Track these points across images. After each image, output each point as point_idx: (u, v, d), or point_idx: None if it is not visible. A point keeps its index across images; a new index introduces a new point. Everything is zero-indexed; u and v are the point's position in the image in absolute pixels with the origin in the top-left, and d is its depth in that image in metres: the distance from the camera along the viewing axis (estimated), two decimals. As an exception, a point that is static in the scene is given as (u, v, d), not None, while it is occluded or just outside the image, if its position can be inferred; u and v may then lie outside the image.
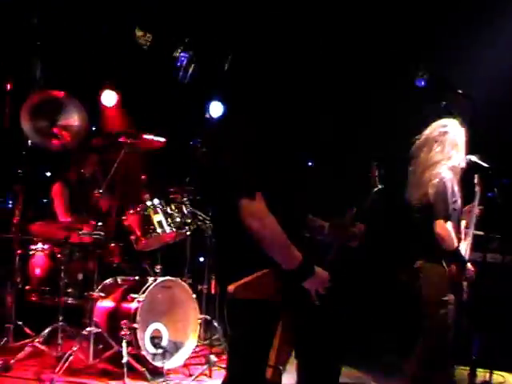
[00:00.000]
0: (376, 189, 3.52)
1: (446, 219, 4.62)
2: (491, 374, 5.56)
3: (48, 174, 7.44)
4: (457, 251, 4.68)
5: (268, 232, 2.92)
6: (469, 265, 4.76)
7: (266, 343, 3.01)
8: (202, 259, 7.17)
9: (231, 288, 2.95)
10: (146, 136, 6.02)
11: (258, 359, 3.02)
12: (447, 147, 4.76)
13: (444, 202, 4.64)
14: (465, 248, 4.78)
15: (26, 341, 5.75)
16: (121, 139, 5.91)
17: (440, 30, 6.18)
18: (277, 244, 2.95)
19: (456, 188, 4.75)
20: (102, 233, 5.83)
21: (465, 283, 4.76)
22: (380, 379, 6.10)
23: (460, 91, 4.12)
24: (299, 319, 3.12)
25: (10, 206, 6.92)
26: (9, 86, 6.15)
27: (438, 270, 4.70)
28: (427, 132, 4.91)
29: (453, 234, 4.65)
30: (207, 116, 7.87)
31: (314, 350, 3.26)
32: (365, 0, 6.40)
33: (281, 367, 3.02)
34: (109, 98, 7.95)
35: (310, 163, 3.50)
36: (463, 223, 4.90)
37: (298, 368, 3.32)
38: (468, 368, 4.89)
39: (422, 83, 4.26)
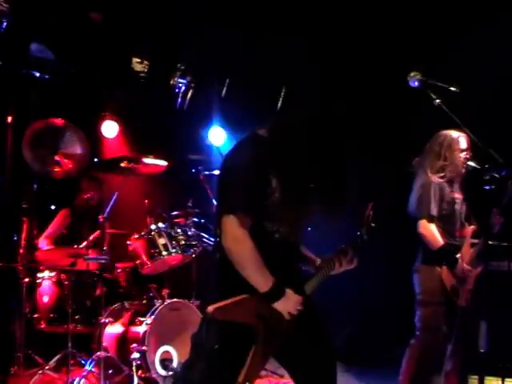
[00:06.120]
0: (364, 229, 3.41)
1: (428, 219, 4.78)
2: (503, 381, 5.51)
3: (53, 207, 7.43)
4: (443, 250, 4.76)
5: (242, 256, 3.02)
6: (466, 266, 4.79)
7: (233, 364, 3.06)
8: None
9: (210, 309, 3.02)
10: (146, 160, 6.08)
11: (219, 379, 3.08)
12: (437, 158, 4.94)
13: (425, 203, 4.81)
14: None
15: (36, 369, 5.73)
16: (122, 164, 5.97)
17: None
18: (249, 267, 3.03)
19: (449, 191, 4.91)
20: (108, 257, 5.85)
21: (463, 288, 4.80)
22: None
23: (453, 89, 4.13)
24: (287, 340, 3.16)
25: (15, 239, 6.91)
26: (10, 119, 6.20)
27: (430, 270, 4.84)
28: (427, 145, 5.07)
29: (436, 234, 4.78)
30: (207, 142, 7.89)
31: (310, 366, 3.27)
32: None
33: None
34: (110, 128, 7.89)
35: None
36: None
37: None
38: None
39: (416, 84, 4.25)
